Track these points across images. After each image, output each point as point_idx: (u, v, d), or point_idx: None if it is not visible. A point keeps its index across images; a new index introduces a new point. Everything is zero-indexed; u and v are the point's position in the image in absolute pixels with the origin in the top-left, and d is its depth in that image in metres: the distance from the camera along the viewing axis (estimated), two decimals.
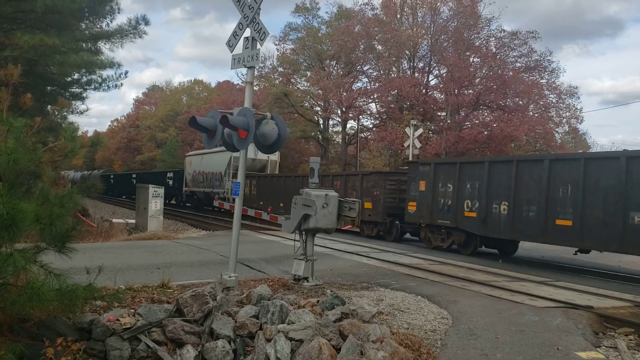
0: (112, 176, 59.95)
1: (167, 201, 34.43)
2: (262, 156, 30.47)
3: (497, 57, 36.04)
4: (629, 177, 11.93)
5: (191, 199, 37.94)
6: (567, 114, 37.55)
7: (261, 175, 30.63)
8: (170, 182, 39.14)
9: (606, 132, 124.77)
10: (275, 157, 32.74)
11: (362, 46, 40.71)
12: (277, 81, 47.87)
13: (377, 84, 40.96)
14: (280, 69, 48.17)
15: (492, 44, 37.21)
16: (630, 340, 7.20)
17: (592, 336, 7.07)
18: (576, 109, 37.32)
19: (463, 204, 15.68)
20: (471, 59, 37.26)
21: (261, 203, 27.82)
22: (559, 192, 13.22)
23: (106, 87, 22.67)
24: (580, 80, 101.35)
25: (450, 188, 16.18)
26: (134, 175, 52.31)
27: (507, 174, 14.50)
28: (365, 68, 43.27)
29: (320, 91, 43.06)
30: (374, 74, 42.84)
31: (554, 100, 37.35)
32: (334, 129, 48.64)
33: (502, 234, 14.73)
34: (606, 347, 6.75)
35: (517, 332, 6.86)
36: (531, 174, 13.96)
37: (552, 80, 36.94)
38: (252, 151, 35.67)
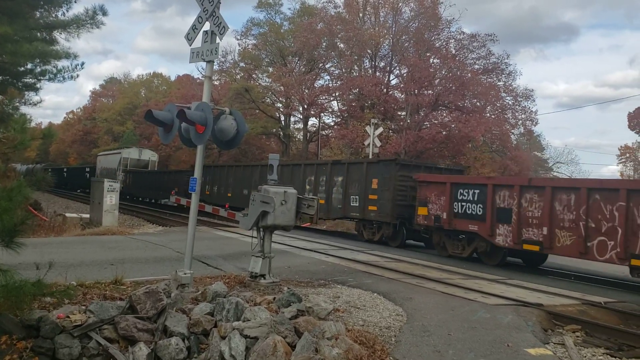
0: (49, 170, 62.22)
1: (87, 190, 40.38)
2: (144, 157, 44.55)
3: (457, 58, 36.47)
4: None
5: None
6: (523, 116, 38.24)
7: (141, 170, 42.32)
8: (87, 175, 49.51)
9: (560, 134, 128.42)
10: (154, 157, 45.44)
11: (324, 44, 40.60)
12: (238, 76, 47.31)
13: (338, 82, 40.92)
14: (241, 64, 47.61)
15: (451, 45, 37.61)
16: (577, 336, 7.45)
17: (541, 333, 7.27)
18: (531, 111, 38.05)
19: (212, 188, 30.33)
20: (431, 60, 37.63)
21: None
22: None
23: (61, 78, 21.97)
24: (536, 83, 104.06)
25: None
26: (65, 169, 64.95)
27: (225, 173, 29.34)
28: (327, 66, 43.24)
29: (282, 87, 42.80)
30: (336, 71, 42.81)
31: (510, 103, 38.00)
32: (296, 126, 48.52)
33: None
34: (554, 343, 6.96)
35: (469, 329, 7.00)
36: (221, 174, 29.50)
37: (509, 82, 37.63)
38: (137, 152, 44.00)
